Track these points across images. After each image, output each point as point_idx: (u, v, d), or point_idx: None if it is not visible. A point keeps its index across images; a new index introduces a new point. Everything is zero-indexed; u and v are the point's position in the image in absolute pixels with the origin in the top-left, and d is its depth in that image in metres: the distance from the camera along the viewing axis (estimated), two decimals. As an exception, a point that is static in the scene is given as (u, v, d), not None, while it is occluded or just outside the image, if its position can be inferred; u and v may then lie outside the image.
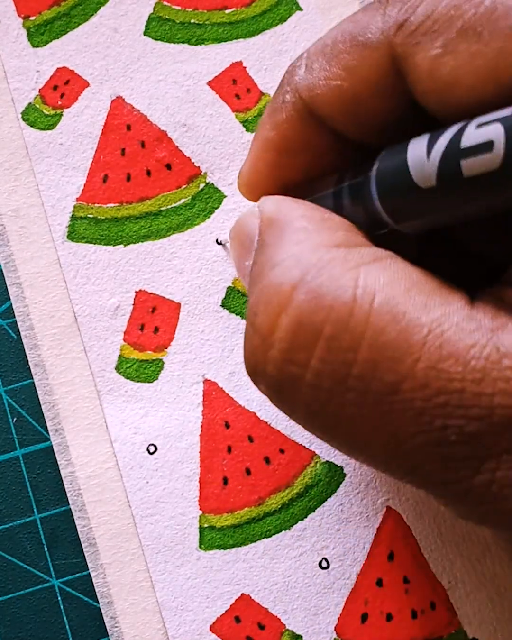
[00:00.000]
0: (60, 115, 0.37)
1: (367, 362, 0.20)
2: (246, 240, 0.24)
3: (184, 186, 0.36)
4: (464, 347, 0.20)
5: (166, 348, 0.35)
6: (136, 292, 0.35)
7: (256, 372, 0.23)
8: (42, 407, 0.35)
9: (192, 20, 0.37)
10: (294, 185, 0.26)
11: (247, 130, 0.36)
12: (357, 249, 0.22)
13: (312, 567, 0.34)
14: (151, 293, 0.35)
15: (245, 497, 0.34)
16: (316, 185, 0.26)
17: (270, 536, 0.34)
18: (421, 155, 0.21)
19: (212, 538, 0.34)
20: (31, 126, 0.37)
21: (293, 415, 0.23)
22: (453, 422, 0.20)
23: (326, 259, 0.21)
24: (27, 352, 0.35)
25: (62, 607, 0.34)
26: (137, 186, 0.36)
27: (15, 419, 0.35)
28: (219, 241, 0.35)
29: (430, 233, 0.25)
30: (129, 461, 0.34)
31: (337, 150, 0.26)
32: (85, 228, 0.36)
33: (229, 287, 0.35)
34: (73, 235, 0.36)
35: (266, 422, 0.34)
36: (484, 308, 0.20)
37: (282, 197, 0.25)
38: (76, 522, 0.34)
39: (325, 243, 0.22)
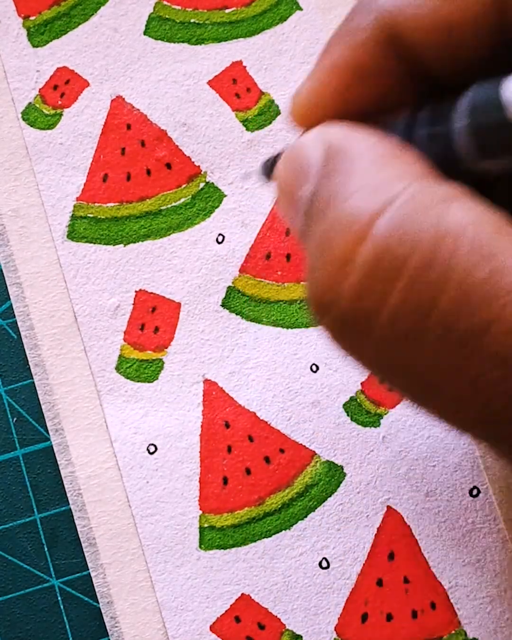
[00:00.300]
0: (60, 114, 0.37)
1: (453, 301, 0.19)
2: (305, 166, 0.23)
3: (184, 185, 0.36)
4: None
5: (166, 348, 0.35)
6: (136, 291, 0.35)
7: (324, 304, 0.21)
8: (42, 407, 0.35)
9: (192, 20, 0.37)
10: (355, 117, 0.25)
11: (247, 129, 0.36)
12: (441, 183, 0.21)
13: (312, 567, 0.33)
14: (151, 293, 0.35)
15: (245, 497, 0.34)
16: (381, 119, 0.24)
17: (270, 536, 0.34)
18: None
19: (212, 538, 0.34)
20: (31, 126, 0.37)
21: (358, 355, 0.21)
22: None
23: (412, 189, 0.20)
24: (27, 352, 0.35)
25: (62, 607, 0.34)
26: (137, 185, 0.36)
27: (15, 419, 0.35)
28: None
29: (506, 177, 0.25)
30: (129, 461, 0.34)
31: (408, 83, 0.24)
32: (85, 228, 0.36)
33: (229, 287, 0.35)
34: (73, 234, 0.36)
35: (266, 422, 0.34)
36: None
37: (350, 125, 0.23)
38: (76, 522, 0.34)
39: (406, 174, 0.21)
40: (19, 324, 0.35)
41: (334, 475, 0.34)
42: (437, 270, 0.19)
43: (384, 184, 0.21)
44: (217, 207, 0.36)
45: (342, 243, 0.21)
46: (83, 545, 0.34)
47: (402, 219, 0.20)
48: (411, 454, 0.34)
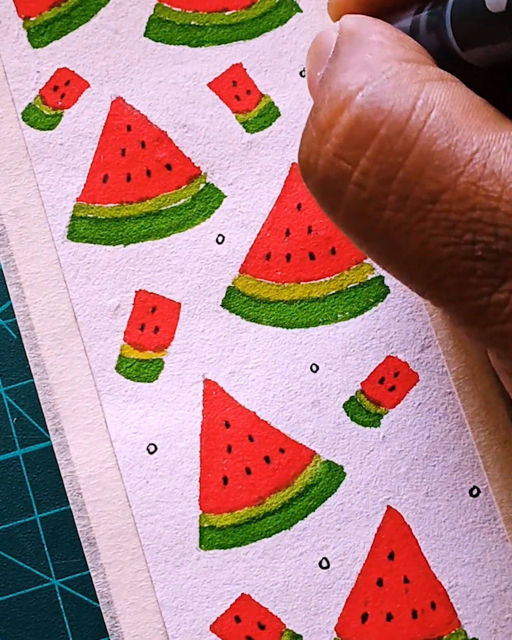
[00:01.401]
0: (61, 115, 0.37)
1: (414, 167, 0.21)
2: (323, 51, 0.25)
3: (184, 186, 0.36)
4: (507, 169, 0.21)
5: (166, 348, 0.35)
6: (136, 291, 0.35)
7: (308, 166, 0.23)
8: (42, 406, 0.35)
9: (192, 22, 0.37)
10: (378, 12, 0.27)
11: (247, 131, 0.36)
12: (426, 66, 0.23)
13: (312, 566, 0.33)
14: (151, 293, 0.35)
15: (245, 496, 0.34)
16: (399, 15, 0.26)
17: (270, 536, 0.34)
18: None
19: (212, 538, 0.34)
20: (31, 126, 0.37)
21: (334, 215, 0.23)
22: (482, 238, 0.21)
23: (395, 69, 0.22)
24: (27, 352, 0.35)
25: (62, 607, 0.34)
26: (137, 186, 0.36)
27: (15, 419, 0.35)
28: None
29: (501, 70, 0.26)
30: (129, 461, 0.34)
31: None
32: (85, 228, 0.36)
33: (229, 287, 0.35)
34: (73, 235, 0.36)
35: (266, 422, 0.34)
36: None
37: (363, 16, 0.25)
38: (76, 521, 0.34)
39: (397, 57, 0.23)
40: (19, 324, 0.35)
41: (334, 475, 0.34)
42: (404, 139, 0.22)
43: (373, 64, 0.23)
44: (217, 207, 0.36)
45: (328, 112, 0.23)
46: (83, 545, 0.34)
47: (381, 92, 0.22)
48: (411, 454, 0.34)
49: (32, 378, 0.35)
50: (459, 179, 0.21)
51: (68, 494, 0.34)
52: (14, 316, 0.35)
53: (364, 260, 0.35)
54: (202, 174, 0.36)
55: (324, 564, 0.34)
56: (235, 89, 0.37)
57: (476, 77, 0.25)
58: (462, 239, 0.21)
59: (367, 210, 0.22)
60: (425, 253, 0.22)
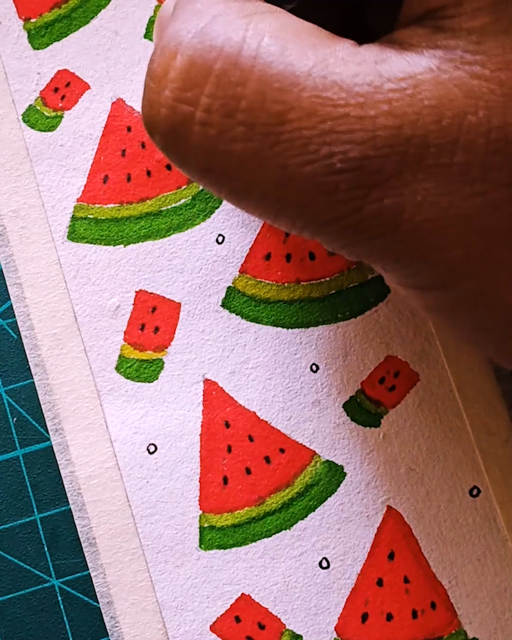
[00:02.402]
0: (61, 117, 0.37)
1: (255, 94, 0.21)
2: (164, 19, 0.25)
3: (184, 186, 0.36)
4: (348, 75, 0.20)
5: (166, 348, 0.35)
6: (136, 292, 0.35)
7: (152, 120, 0.23)
8: (42, 407, 0.35)
9: (192, 23, 0.37)
10: None
11: (247, 131, 0.36)
12: (254, 2, 0.23)
13: (312, 566, 0.33)
14: (151, 293, 0.35)
15: (245, 496, 0.34)
16: None
17: (270, 536, 0.34)
18: None
19: (212, 538, 0.34)
20: (32, 128, 0.37)
21: (187, 165, 0.23)
22: (338, 148, 0.20)
23: (222, 8, 0.22)
24: (27, 352, 0.35)
25: (62, 607, 0.34)
26: (138, 187, 0.36)
27: (15, 419, 0.35)
28: None
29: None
30: (129, 461, 0.34)
31: None
32: (85, 228, 0.36)
33: (229, 287, 0.35)
34: (73, 235, 0.36)
35: (266, 422, 0.34)
36: (369, 47, 0.21)
37: None
38: (76, 522, 0.34)
39: (225, 0, 0.23)
40: (19, 324, 0.35)
41: (334, 475, 0.34)
42: (240, 69, 0.21)
43: (204, 8, 0.23)
44: (217, 207, 0.36)
45: (161, 60, 0.22)
46: (83, 545, 0.34)
47: (210, 31, 0.22)
48: (411, 454, 0.34)
49: (32, 378, 0.35)
50: (302, 95, 0.20)
51: (68, 494, 0.34)
52: (14, 316, 0.35)
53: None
54: (202, 174, 0.36)
55: (324, 564, 0.34)
56: (235, 89, 0.37)
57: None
58: (319, 154, 0.20)
59: (217, 147, 0.22)
60: (286, 177, 0.21)
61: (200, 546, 0.34)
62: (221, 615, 0.33)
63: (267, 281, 0.35)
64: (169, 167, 0.36)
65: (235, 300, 0.35)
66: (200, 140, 0.22)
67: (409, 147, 0.20)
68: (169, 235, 0.36)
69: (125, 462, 0.34)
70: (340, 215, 0.21)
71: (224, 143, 0.22)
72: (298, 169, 0.21)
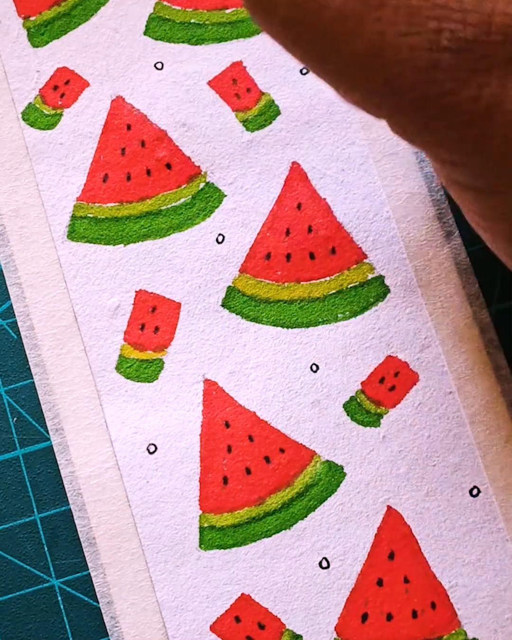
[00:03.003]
0: (61, 115, 0.37)
1: None
2: None
3: (184, 185, 0.36)
4: None
5: (166, 348, 0.35)
6: (136, 291, 0.35)
7: (269, 5, 0.21)
8: (42, 407, 0.35)
9: (192, 20, 0.37)
10: None
11: (247, 129, 0.36)
12: None
13: (312, 566, 0.34)
14: (151, 293, 0.35)
15: (245, 496, 0.34)
16: None
17: (270, 536, 0.34)
18: None
19: (212, 538, 0.34)
20: (31, 126, 0.37)
21: (271, 12, 0.21)
22: (448, 25, 0.19)
23: None
24: (27, 352, 0.35)
25: (62, 607, 0.34)
26: (138, 186, 0.36)
27: (15, 419, 0.35)
28: None
29: None
30: (129, 461, 0.34)
31: None
32: (85, 228, 0.36)
33: (229, 287, 0.35)
34: (73, 234, 0.36)
35: (266, 422, 0.34)
36: None
37: None
38: (76, 521, 0.34)
39: None
40: (19, 324, 0.35)
41: (334, 475, 0.34)
42: None
43: None
44: (217, 207, 0.36)
45: None
46: (83, 545, 0.34)
47: None
48: (411, 453, 0.34)
49: (32, 378, 0.35)
50: None
51: (68, 494, 0.34)
52: (14, 316, 0.35)
53: (365, 260, 0.35)
54: (202, 173, 0.36)
55: (324, 563, 0.34)
56: (235, 87, 0.37)
57: None
58: (425, 27, 0.19)
59: (310, 3, 0.20)
60: (382, 45, 0.19)
61: (200, 546, 0.34)
62: (221, 615, 0.33)
63: (267, 281, 0.35)
64: (169, 165, 0.36)
65: (235, 300, 0.35)
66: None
67: None
68: (169, 234, 0.36)
69: (125, 462, 0.34)
70: (432, 95, 0.19)
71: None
72: (397, 39, 0.19)
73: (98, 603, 0.34)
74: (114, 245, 0.36)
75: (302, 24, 0.20)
